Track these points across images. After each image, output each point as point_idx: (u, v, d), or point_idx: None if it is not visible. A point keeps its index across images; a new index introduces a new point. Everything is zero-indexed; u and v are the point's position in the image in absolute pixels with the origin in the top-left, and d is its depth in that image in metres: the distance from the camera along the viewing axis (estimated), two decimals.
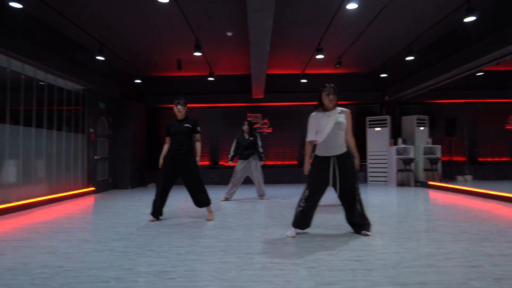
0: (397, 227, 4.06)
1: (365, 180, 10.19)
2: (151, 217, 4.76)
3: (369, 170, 10.13)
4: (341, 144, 3.54)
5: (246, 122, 6.67)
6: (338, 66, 8.61)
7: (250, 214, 5.18)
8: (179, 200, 6.80)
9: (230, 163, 6.78)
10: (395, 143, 9.41)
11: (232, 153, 6.71)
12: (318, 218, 4.60)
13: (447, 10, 5.82)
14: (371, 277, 2.41)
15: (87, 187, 8.10)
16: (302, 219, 3.60)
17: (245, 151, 6.57)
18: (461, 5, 5.28)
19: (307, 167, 3.61)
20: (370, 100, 10.72)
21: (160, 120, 11.01)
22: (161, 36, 7.21)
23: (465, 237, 3.51)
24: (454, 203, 6.06)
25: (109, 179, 9.17)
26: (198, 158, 4.71)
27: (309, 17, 6.04)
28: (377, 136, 9.90)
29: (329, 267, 2.64)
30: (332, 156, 3.52)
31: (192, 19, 6.10)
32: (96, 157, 8.46)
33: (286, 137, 10.65)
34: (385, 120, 9.90)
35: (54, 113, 7.02)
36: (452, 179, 10.35)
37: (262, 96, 10.20)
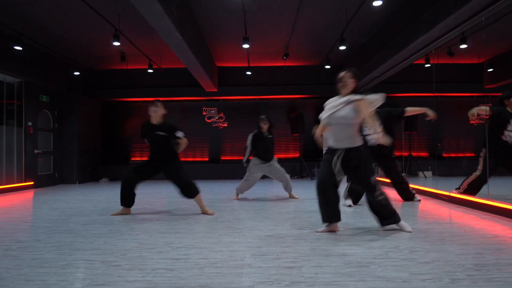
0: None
1: None
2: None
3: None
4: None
5: (265, 118, 5.57)
6: (285, 58, 8.36)
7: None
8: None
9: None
10: None
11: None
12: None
13: None
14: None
15: (24, 181, 7.90)
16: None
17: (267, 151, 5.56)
18: None
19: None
20: (329, 93, 10.41)
21: (115, 113, 10.78)
22: (95, 31, 7.02)
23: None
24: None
25: (55, 174, 8.97)
26: None
27: (221, 3, 5.85)
28: None
29: None
30: None
31: (109, 9, 5.89)
32: (36, 151, 8.26)
33: (242, 131, 10.39)
34: None
35: None
36: (412, 175, 10.10)
37: (215, 90, 9.94)
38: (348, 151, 3.18)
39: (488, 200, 4.29)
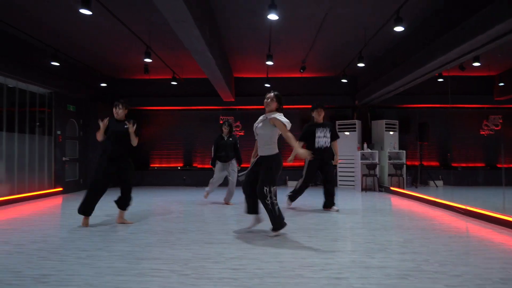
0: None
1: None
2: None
3: (338, 174, 10.19)
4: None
5: (226, 123, 6.36)
6: (302, 70, 8.70)
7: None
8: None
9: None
10: (362, 148, 9.47)
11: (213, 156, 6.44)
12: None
13: (380, 21, 5.91)
14: None
15: (54, 187, 8.28)
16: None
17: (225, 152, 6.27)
18: (392, 15, 5.28)
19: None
20: (342, 104, 10.76)
21: (135, 121, 11.13)
22: (118, 43, 7.38)
23: None
24: (400, 212, 6.11)
25: (80, 180, 9.36)
26: None
27: (247, 23, 6.23)
28: (346, 140, 9.94)
29: None
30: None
31: (140, 26, 6.25)
32: (64, 159, 8.64)
33: None
34: (354, 124, 9.95)
35: (16, 115, 7.21)
36: (423, 184, 10.39)
37: (233, 100, 10.30)
38: (261, 158, 4.00)
39: (504, 215, 4.60)
